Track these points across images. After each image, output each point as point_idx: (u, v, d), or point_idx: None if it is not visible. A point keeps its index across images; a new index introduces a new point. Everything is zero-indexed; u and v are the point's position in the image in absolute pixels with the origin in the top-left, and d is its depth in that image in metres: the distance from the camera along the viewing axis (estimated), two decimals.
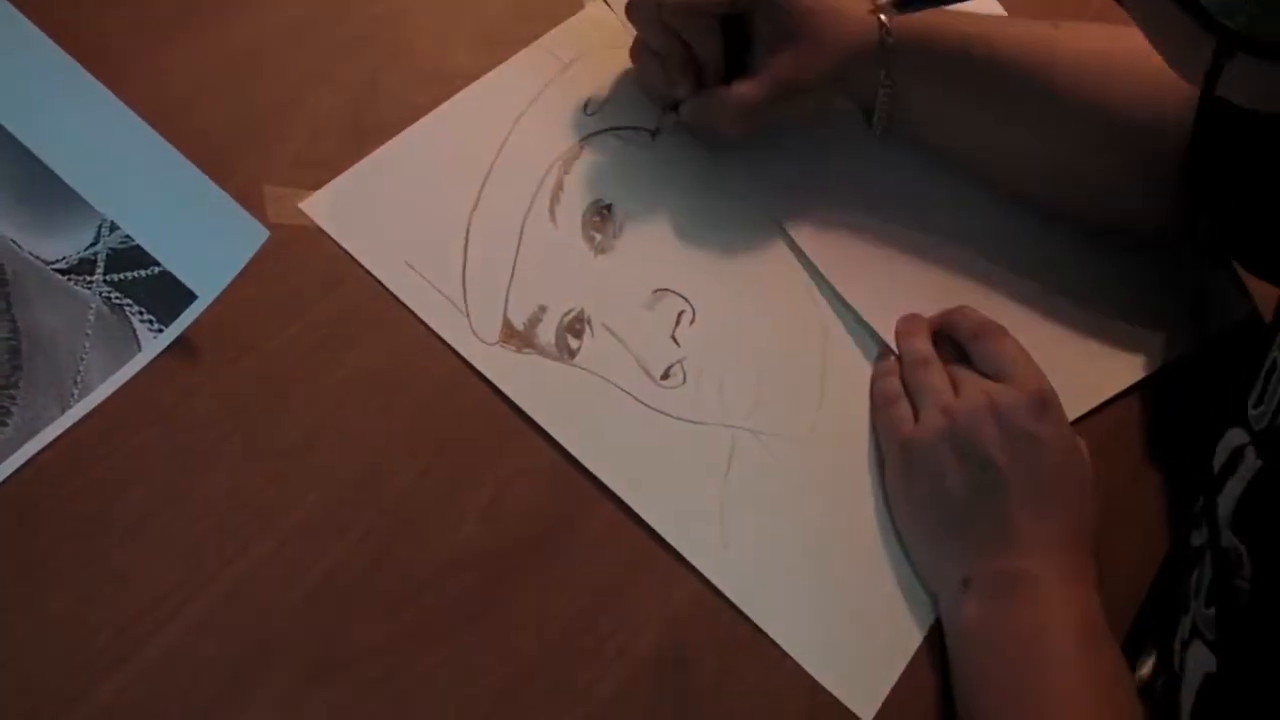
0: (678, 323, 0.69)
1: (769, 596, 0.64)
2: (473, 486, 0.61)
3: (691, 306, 0.70)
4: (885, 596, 0.66)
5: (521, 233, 0.68)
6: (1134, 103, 0.71)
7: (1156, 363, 0.77)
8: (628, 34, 0.72)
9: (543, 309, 0.66)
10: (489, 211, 0.68)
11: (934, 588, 0.66)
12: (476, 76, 0.71)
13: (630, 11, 0.70)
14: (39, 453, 0.55)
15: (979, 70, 0.72)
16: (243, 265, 0.59)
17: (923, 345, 0.71)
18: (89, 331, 0.58)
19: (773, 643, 0.63)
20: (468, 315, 0.65)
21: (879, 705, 0.63)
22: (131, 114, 0.59)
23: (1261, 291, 0.80)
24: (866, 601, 0.66)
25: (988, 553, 0.64)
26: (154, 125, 0.59)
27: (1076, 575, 0.64)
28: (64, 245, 0.59)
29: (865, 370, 0.72)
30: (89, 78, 0.59)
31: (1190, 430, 0.71)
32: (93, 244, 0.59)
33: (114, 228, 0.59)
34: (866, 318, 0.72)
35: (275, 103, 0.67)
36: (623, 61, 0.74)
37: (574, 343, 0.66)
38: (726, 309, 0.71)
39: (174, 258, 0.60)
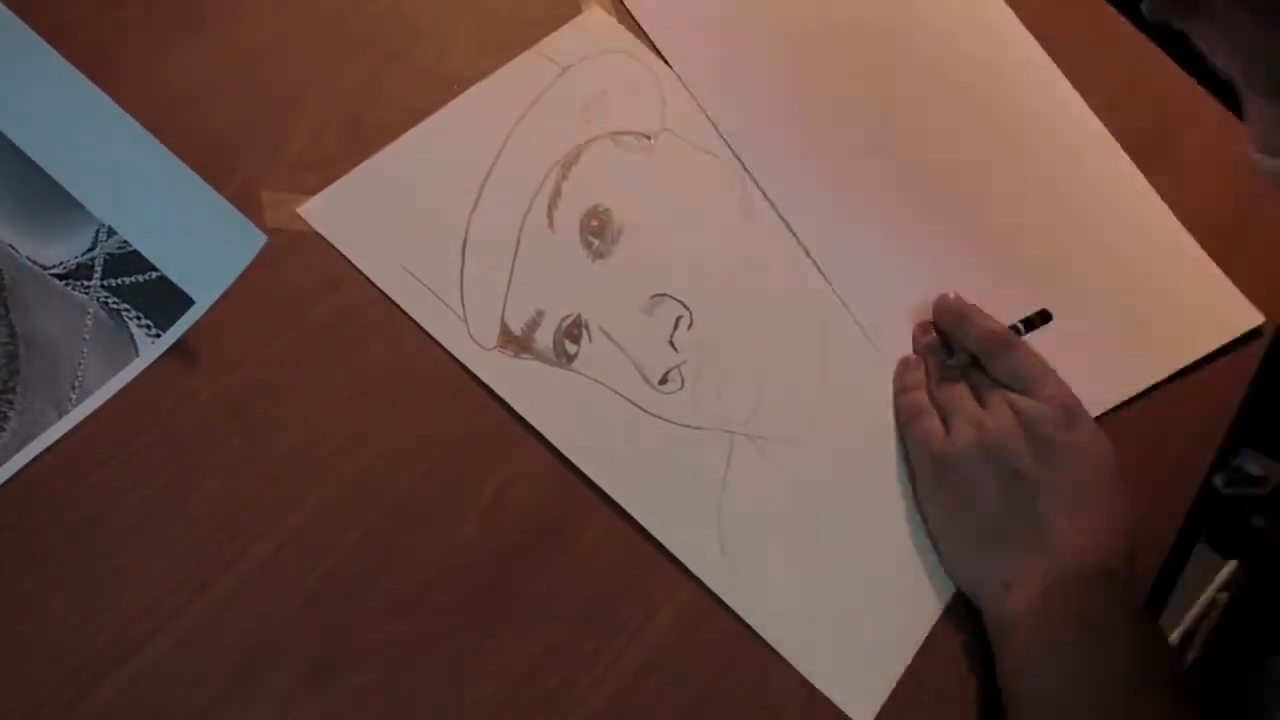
0: (675, 327, 0.69)
1: (766, 601, 0.64)
2: (471, 490, 0.61)
3: (689, 311, 0.70)
4: (883, 602, 0.66)
5: (519, 238, 0.68)
6: None
7: (1163, 372, 0.77)
8: (626, 38, 0.72)
9: (540, 314, 0.66)
10: (487, 216, 0.68)
11: (974, 594, 0.67)
12: (475, 80, 0.71)
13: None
14: (37, 457, 0.55)
15: None
16: (240, 270, 0.59)
17: (939, 360, 0.72)
18: (86, 336, 0.58)
19: (770, 648, 0.63)
20: (465, 320, 0.65)
21: (877, 710, 0.63)
22: (129, 119, 0.59)
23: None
24: (864, 607, 0.66)
25: (1027, 557, 0.65)
26: (151, 130, 0.59)
27: (1113, 572, 0.65)
28: (62, 250, 0.59)
29: (863, 375, 0.72)
30: (86, 82, 0.59)
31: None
32: (90, 249, 0.59)
33: (111, 233, 0.59)
34: (863, 320, 0.72)
35: (273, 107, 0.67)
36: (621, 66, 0.74)
37: (572, 348, 0.66)
38: (724, 314, 0.71)
39: (172, 263, 0.60)
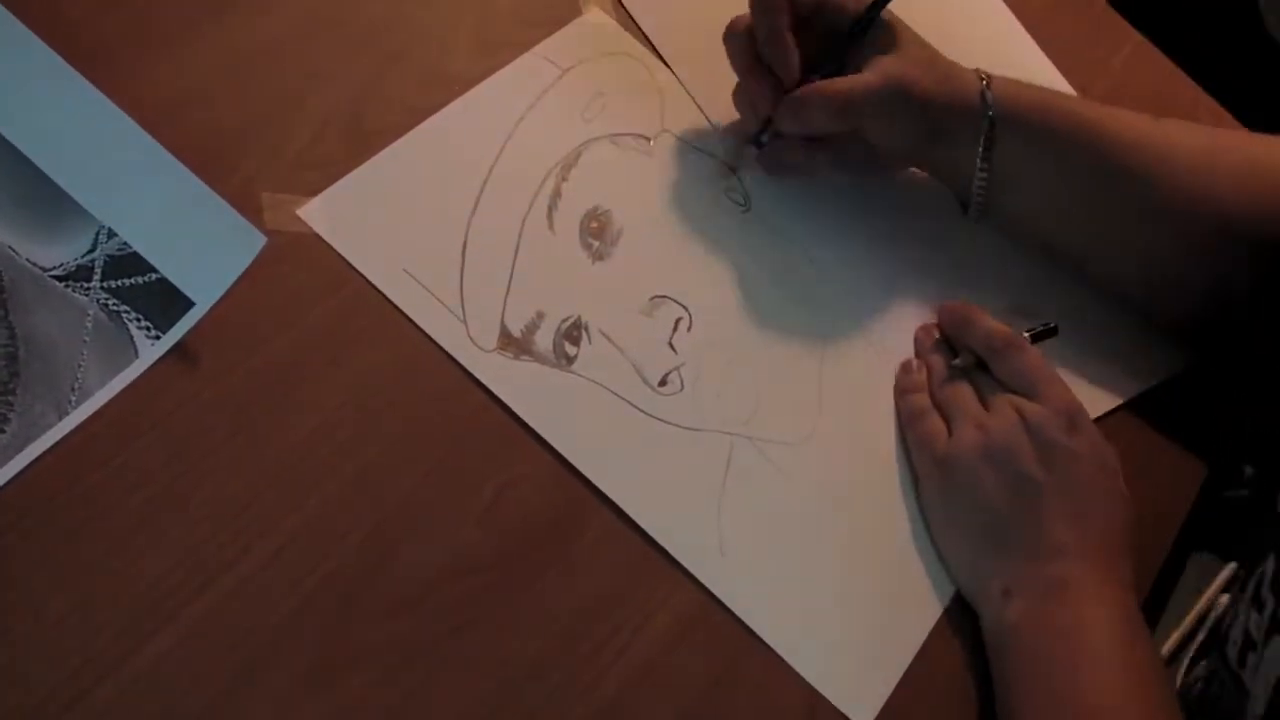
0: (675, 329, 0.69)
1: (766, 603, 0.63)
2: (471, 492, 0.61)
3: (689, 313, 0.70)
4: (882, 604, 0.66)
5: (519, 239, 0.68)
6: (1243, 207, 0.71)
7: (1162, 374, 0.77)
8: (626, 40, 0.72)
9: (540, 316, 0.66)
10: (487, 218, 0.68)
11: (974, 598, 0.67)
12: (475, 81, 0.71)
13: (725, 37, 0.71)
14: (37, 458, 0.55)
15: (1089, 153, 0.71)
16: (240, 272, 0.59)
17: (942, 361, 0.72)
18: (86, 338, 0.58)
19: (770, 649, 0.63)
20: (465, 322, 0.65)
21: (877, 711, 0.63)
22: (129, 120, 0.59)
23: None
24: (864, 609, 0.66)
25: (1028, 562, 0.65)
26: (151, 131, 0.59)
27: (1114, 578, 0.65)
28: (61, 252, 0.59)
29: (863, 377, 0.72)
30: (86, 83, 0.59)
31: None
32: (90, 250, 0.59)
33: (111, 234, 0.59)
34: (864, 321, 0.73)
35: (273, 107, 0.67)
36: (621, 68, 0.75)
37: (571, 350, 0.66)
38: (724, 316, 0.71)
39: (171, 264, 0.60)
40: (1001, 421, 0.67)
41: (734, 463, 0.67)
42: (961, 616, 0.67)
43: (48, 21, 0.59)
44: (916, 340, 0.74)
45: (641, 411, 0.66)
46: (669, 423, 0.66)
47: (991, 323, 0.71)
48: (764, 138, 0.72)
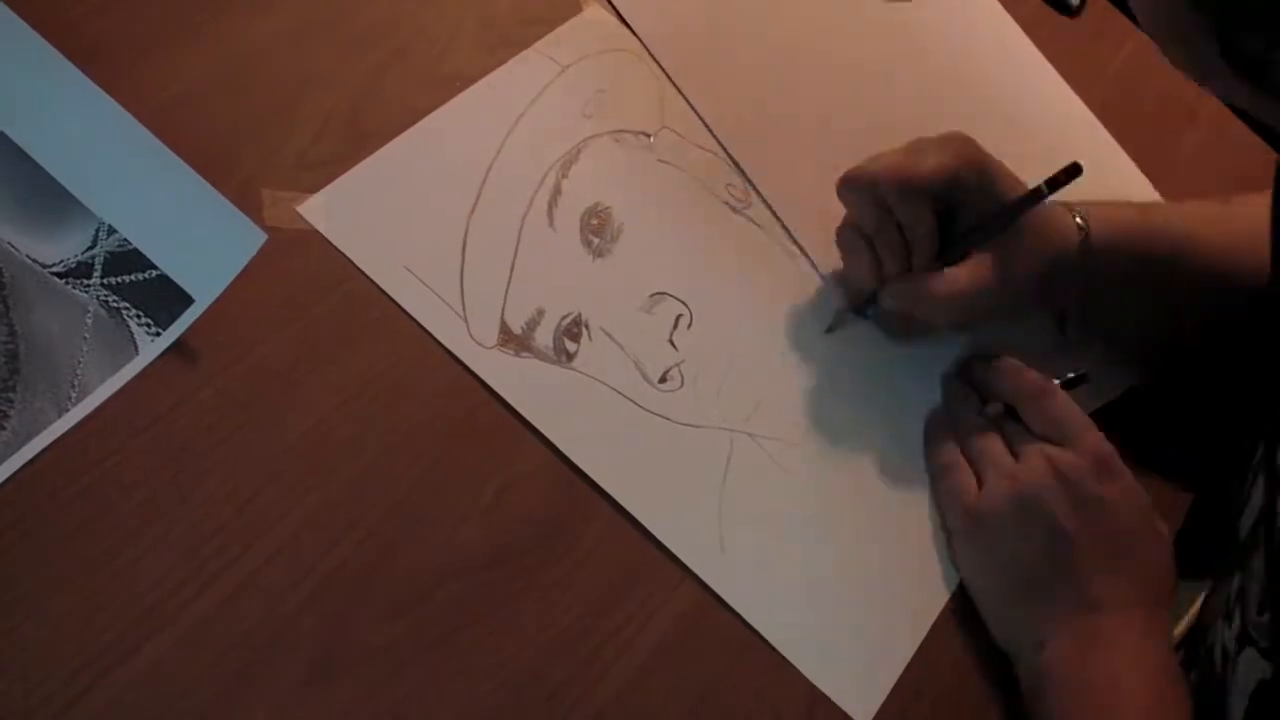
0: (675, 326, 0.69)
1: (766, 600, 0.63)
2: (472, 490, 0.61)
3: (689, 310, 0.70)
4: (883, 601, 0.66)
5: (519, 236, 0.68)
6: None
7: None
8: (626, 36, 0.72)
9: (540, 312, 0.66)
10: (487, 215, 0.68)
11: (1008, 647, 0.66)
12: (475, 79, 0.71)
13: (844, 190, 0.69)
14: (37, 456, 0.55)
15: (1182, 272, 0.72)
16: (240, 269, 0.59)
17: (971, 412, 0.71)
18: (86, 335, 0.58)
19: (770, 647, 0.63)
20: (465, 319, 0.64)
21: (876, 709, 0.63)
22: (129, 117, 0.59)
23: None
24: (864, 606, 0.66)
25: (1064, 615, 0.64)
26: (152, 128, 0.59)
27: (1149, 628, 0.64)
28: (61, 248, 0.59)
29: (863, 374, 0.72)
30: (87, 81, 0.59)
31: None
32: (90, 247, 0.59)
33: (111, 231, 0.59)
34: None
35: (274, 105, 0.67)
36: (621, 65, 0.74)
37: (572, 346, 0.66)
38: (724, 312, 0.71)
39: (171, 261, 0.60)
40: (1032, 473, 0.65)
41: (734, 460, 0.66)
42: (961, 614, 0.67)
43: (49, 19, 0.59)
44: (944, 389, 0.73)
45: (642, 408, 0.66)
46: (669, 419, 0.66)
47: (1023, 370, 0.70)
48: (869, 311, 0.73)
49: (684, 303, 0.70)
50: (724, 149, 0.76)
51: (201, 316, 0.59)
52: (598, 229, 0.70)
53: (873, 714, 0.63)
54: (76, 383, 0.57)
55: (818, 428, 0.69)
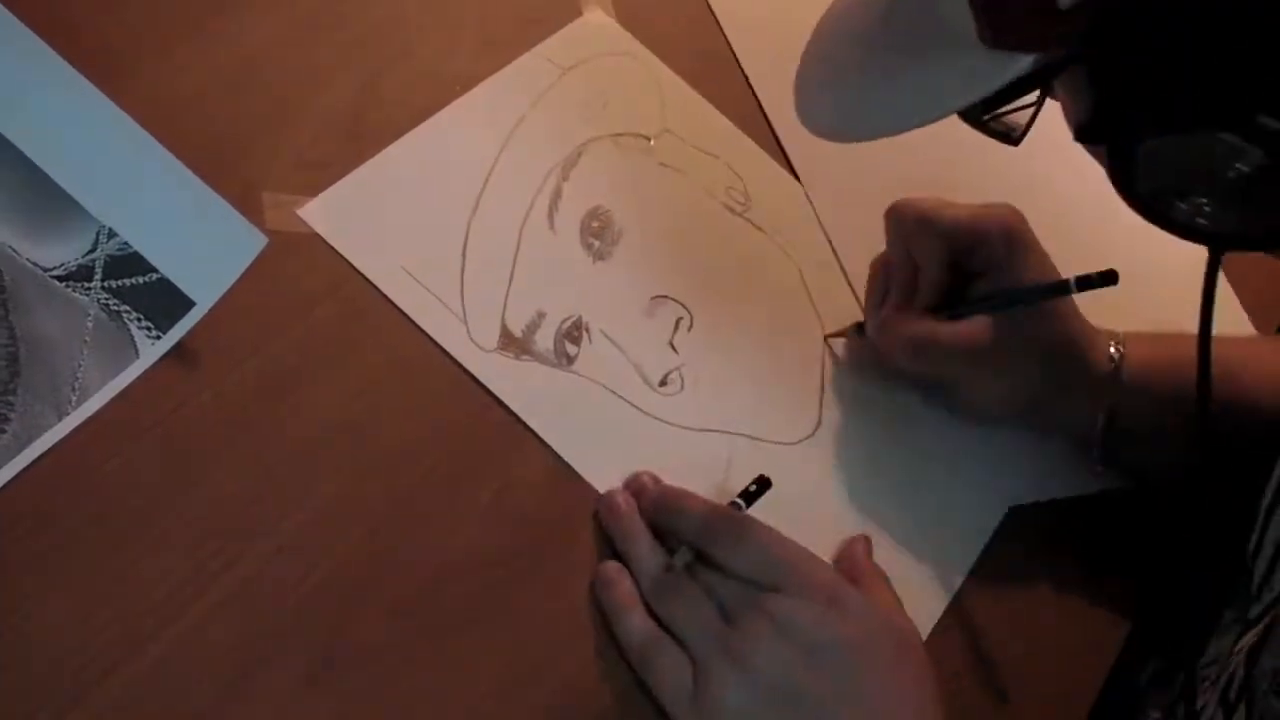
0: (676, 329, 0.69)
1: None
2: (471, 492, 0.61)
3: (690, 313, 0.70)
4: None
5: (520, 239, 0.68)
6: None
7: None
8: (626, 39, 0.72)
9: (541, 315, 0.66)
10: (487, 218, 0.68)
11: None
12: (476, 82, 0.72)
13: (886, 217, 0.69)
14: (37, 459, 0.55)
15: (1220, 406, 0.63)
16: (241, 272, 0.59)
17: (657, 569, 0.60)
18: (87, 338, 0.58)
19: None
20: (466, 322, 0.65)
21: None
22: (129, 120, 0.59)
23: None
24: None
25: None
26: (152, 131, 0.59)
27: None
28: (62, 252, 0.59)
29: (863, 376, 0.72)
30: (87, 84, 0.59)
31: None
32: (91, 250, 0.59)
33: (112, 234, 0.59)
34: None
35: (274, 107, 0.67)
36: (621, 68, 0.74)
37: (572, 349, 0.66)
38: (725, 316, 0.71)
39: (172, 264, 0.60)
40: (754, 641, 0.56)
41: (734, 463, 0.66)
42: (960, 616, 0.67)
43: (49, 21, 0.59)
44: (613, 531, 0.61)
45: (642, 412, 0.66)
46: (670, 423, 0.66)
47: (703, 504, 0.61)
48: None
49: (684, 306, 0.70)
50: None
51: (202, 320, 0.59)
52: (598, 232, 0.70)
53: None
54: (77, 386, 0.57)
55: (818, 430, 0.69)
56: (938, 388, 0.71)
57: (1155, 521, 0.73)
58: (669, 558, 0.59)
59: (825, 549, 0.66)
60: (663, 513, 0.61)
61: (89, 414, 0.57)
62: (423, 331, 0.64)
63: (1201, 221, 0.50)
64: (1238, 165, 0.47)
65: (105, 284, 0.59)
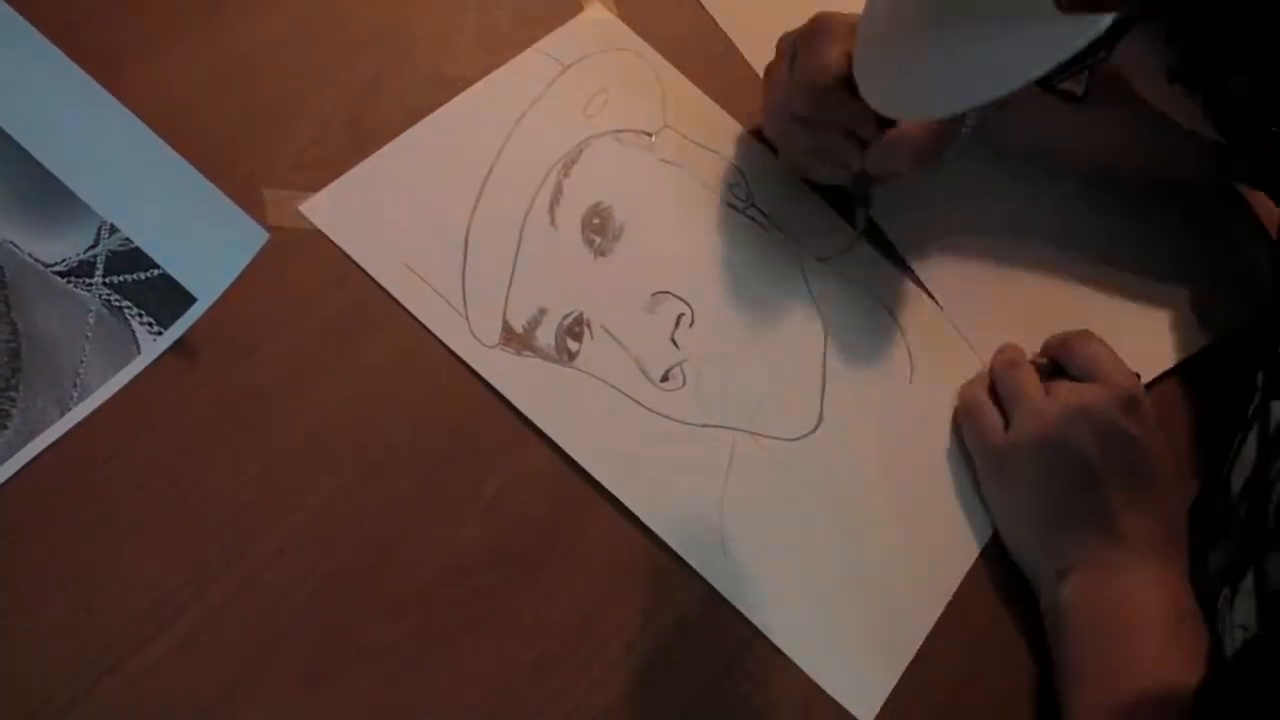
0: (677, 325, 0.69)
1: (768, 599, 0.63)
2: (474, 489, 0.61)
3: (691, 309, 0.70)
4: (885, 600, 0.66)
5: (521, 235, 0.68)
6: None
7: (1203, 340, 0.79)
8: (628, 35, 0.72)
9: (542, 311, 0.66)
10: (489, 214, 0.68)
11: (1032, 578, 0.68)
12: (477, 79, 0.71)
13: (771, 127, 0.73)
14: (39, 455, 0.55)
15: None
16: (242, 268, 0.59)
17: (1011, 352, 0.72)
18: (88, 334, 0.58)
19: (772, 645, 0.63)
20: (467, 317, 0.64)
21: (879, 708, 0.63)
22: (131, 116, 0.59)
23: None
24: (866, 605, 0.66)
25: (1088, 546, 0.66)
26: (154, 127, 0.59)
27: (1168, 564, 0.66)
28: (64, 247, 0.59)
29: (865, 373, 0.72)
30: (90, 81, 0.59)
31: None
32: (92, 246, 0.59)
33: (113, 230, 0.59)
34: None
35: (276, 105, 0.67)
36: (623, 64, 0.74)
37: (573, 345, 0.66)
38: (726, 311, 0.71)
39: (174, 260, 0.60)
40: (1059, 407, 0.67)
41: (736, 458, 0.66)
42: (963, 613, 0.67)
43: (52, 18, 0.59)
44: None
45: (644, 407, 0.66)
46: (671, 418, 0.66)
47: (1065, 335, 0.72)
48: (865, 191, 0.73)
49: (686, 302, 0.70)
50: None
51: (203, 315, 0.59)
52: (599, 228, 0.70)
53: (875, 712, 0.63)
54: (78, 382, 0.57)
55: (819, 426, 0.69)
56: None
57: None
58: (1022, 355, 0.72)
59: (829, 547, 0.66)
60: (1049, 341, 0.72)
61: (91, 410, 0.57)
62: (424, 327, 0.64)
63: None
64: None
65: (107, 280, 0.59)
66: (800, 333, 0.72)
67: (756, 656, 0.62)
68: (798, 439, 0.69)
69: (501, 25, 0.74)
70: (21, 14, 0.58)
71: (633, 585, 0.62)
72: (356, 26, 0.71)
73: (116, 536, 0.55)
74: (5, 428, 0.55)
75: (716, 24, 0.80)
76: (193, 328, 0.59)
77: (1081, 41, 0.50)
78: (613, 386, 0.66)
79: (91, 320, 0.58)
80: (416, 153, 0.68)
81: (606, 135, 0.73)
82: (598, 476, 0.63)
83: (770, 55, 0.73)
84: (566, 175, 0.70)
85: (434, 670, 0.57)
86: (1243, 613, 0.62)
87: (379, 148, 0.67)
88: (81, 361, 0.57)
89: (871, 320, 0.74)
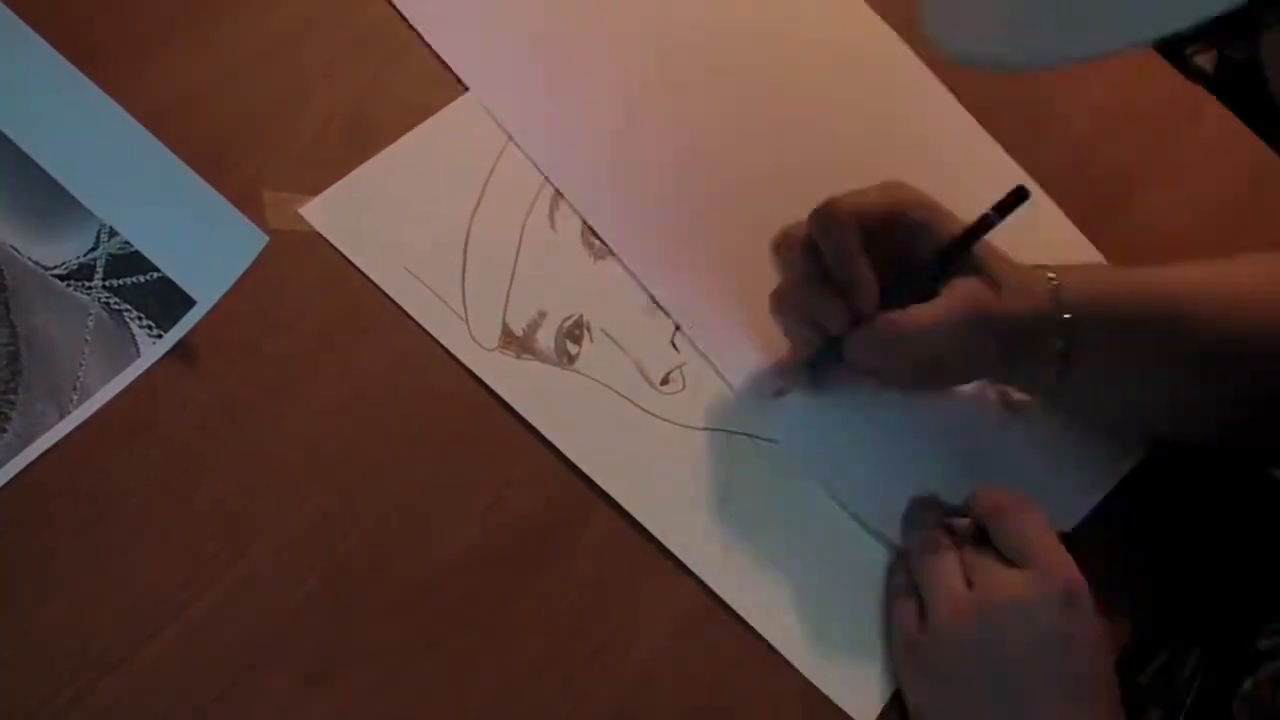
0: (677, 328, 0.69)
1: (768, 602, 0.63)
2: (473, 491, 0.61)
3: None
4: (884, 603, 0.66)
5: (521, 238, 0.68)
6: None
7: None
8: None
9: (542, 314, 0.66)
10: (488, 217, 0.68)
11: None
12: None
13: (775, 250, 0.65)
14: (38, 458, 0.55)
15: (1163, 338, 0.65)
16: (242, 271, 0.59)
17: (931, 530, 0.64)
18: (88, 337, 0.58)
19: (771, 648, 0.62)
20: (467, 321, 0.65)
21: (878, 710, 0.63)
22: (130, 119, 0.59)
23: None
24: (866, 607, 0.65)
25: None
26: (153, 130, 0.59)
27: None
28: (63, 251, 0.59)
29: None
30: (88, 83, 0.59)
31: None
32: (92, 249, 0.59)
33: (113, 233, 0.59)
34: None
35: (275, 106, 0.67)
36: None
37: (573, 348, 0.66)
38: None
39: (173, 263, 0.60)
40: (984, 602, 0.59)
41: (736, 461, 0.66)
42: None
43: (50, 20, 0.59)
44: (904, 515, 0.66)
45: (643, 410, 0.66)
46: (671, 421, 0.66)
47: (1000, 488, 0.63)
48: (820, 362, 0.67)
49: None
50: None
51: (203, 318, 0.59)
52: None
53: (874, 715, 0.63)
54: (78, 385, 0.57)
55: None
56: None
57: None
58: (942, 533, 0.63)
59: (828, 549, 0.66)
60: (974, 497, 0.63)
61: (90, 413, 0.57)
62: (424, 330, 0.64)
63: None
64: None
65: (106, 283, 0.59)
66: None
67: (756, 658, 0.62)
68: (797, 442, 0.68)
69: None
70: (19, 16, 0.58)
71: (632, 587, 0.62)
72: (356, 27, 0.71)
73: (116, 538, 0.55)
74: (5, 431, 0.55)
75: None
76: (192, 330, 0.59)
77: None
78: (612, 390, 0.66)
79: (91, 323, 0.58)
80: (416, 156, 0.68)
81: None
82: (597, 479, 0.63)
83: None
84: None
85: (434, 670, 0.57)
86: None
87: (379, 150, 0.67)
88: (81, 364, 0.57)
89: None
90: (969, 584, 0.60)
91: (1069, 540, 0.61)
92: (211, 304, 0.59)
